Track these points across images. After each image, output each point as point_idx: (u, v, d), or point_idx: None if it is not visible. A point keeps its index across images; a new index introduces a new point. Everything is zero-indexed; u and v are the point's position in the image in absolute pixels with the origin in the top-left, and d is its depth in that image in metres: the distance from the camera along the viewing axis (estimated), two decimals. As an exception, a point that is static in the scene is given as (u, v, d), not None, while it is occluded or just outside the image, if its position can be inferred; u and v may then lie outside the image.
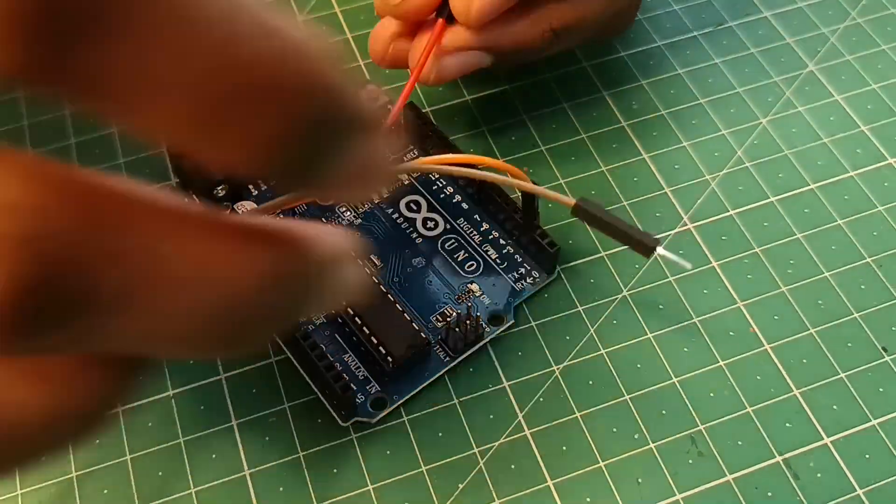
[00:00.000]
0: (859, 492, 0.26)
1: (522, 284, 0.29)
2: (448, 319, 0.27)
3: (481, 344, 0.28)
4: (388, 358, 0.26)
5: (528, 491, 0.26)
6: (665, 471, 0.26)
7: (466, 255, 0.29)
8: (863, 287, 0.29)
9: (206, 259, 0.13)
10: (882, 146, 0.33)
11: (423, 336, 0.27)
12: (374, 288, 0.27)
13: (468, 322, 0.27)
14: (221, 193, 0.29)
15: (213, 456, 0.26)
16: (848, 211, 0.31)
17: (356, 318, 0.27)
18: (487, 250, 0.29)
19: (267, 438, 0.26)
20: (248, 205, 0.29)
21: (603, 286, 0.29)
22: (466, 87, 0.34)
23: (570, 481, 0.26)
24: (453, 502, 0.25)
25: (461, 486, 0.26)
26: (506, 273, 0.29)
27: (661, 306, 0.29)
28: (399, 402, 0.27)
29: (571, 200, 0.25)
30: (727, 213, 0.31)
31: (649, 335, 0.28)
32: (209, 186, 0.29)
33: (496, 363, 0.28)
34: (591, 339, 0.28)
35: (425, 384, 0.27)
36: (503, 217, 0.29)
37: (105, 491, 0.26)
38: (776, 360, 0.28)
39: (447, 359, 0.27)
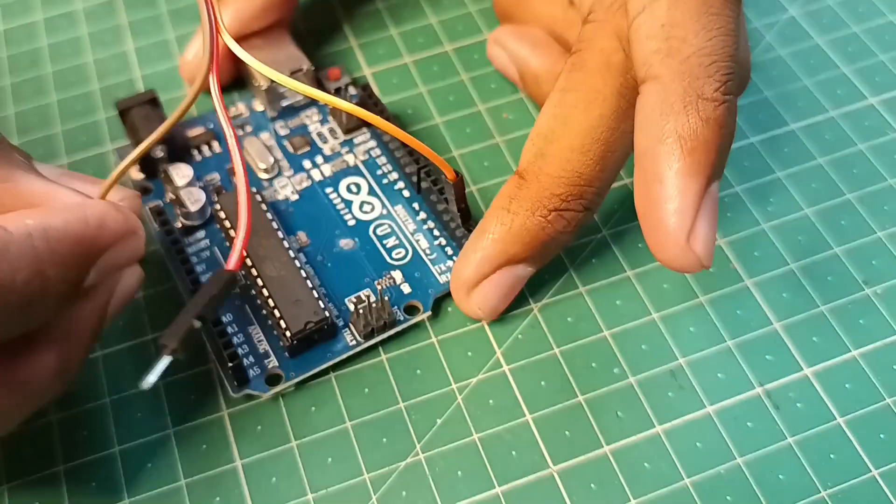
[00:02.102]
0: (839, 420, 0.26)
1: (447, 278, 0.28)
2: (359, 304, 0.27)
3: (392, 332, 0.27)
4: (286, 332, 0.26)
5: (506, 425, 0.26)
6: (645, 404, 0.26)
7: (397, 242, 0.29)
8: (843, 223, 0.29)
9: None
10: (863, 87, 0.33)
11: (326, 314, 0.26)
12: (289, 262, 0.27)
13: (380, 308, 0.26)
14: (159, 154, 0.29)
15: (140, 413, 0.26)
16: (828, 150, 0.31)
17: (263, 290, 0.26)
18: (419, 240, 0.29)
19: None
20: (184, 167, 0.29)
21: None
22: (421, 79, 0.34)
23: (549, 415, 0.26)
24: (431, 436, 0.25)
25: (439, 420, 0.26)
26: (433, 264, 0.28)
27: (640, 245, 0.29)
28: (295, 380, 0.26)
29: (452, 173, 0.26)
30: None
31: (629, 273, 0.28)
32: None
33: (475, 303, 0.28)
34: (570, 277, 0.28)
35: (326, 365, 0.26)
36: (441, 209, 0.29)
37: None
38: (756, 296, 0.28)
39: (354, 342, 0.27)
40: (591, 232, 0.29)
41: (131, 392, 0.26)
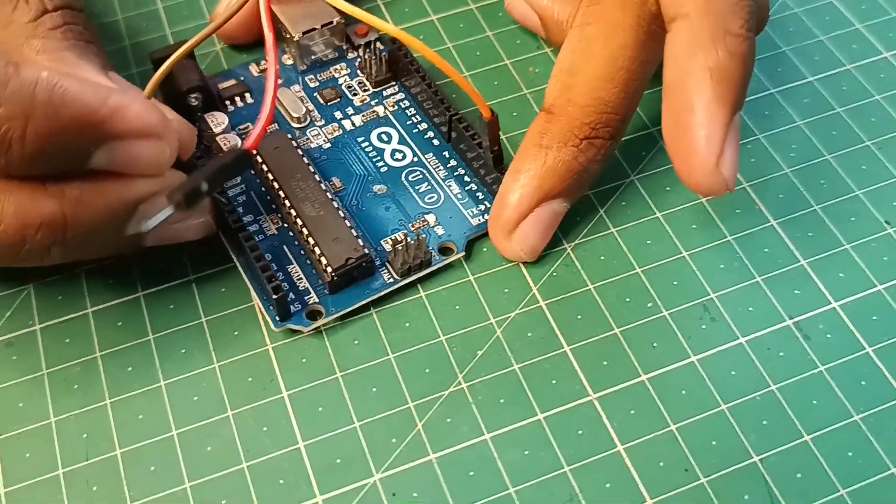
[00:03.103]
0: (868, 349, 0.26)
1: (480, 220, 0.28)
2: (396, 243, 0.27)
3: (428, 270, 0.28)
4: (327, 268, 0.26)
5: (545, 356, 0.26)
6: (679, 335, 0.27)
7: (429, 187, 0.29)
8: (864, 168, 0.30)
9: None
10: (878, 42, 0.34)
11: (366, 251, 0.27)
12: (327, 202, 0.27)
13: (416, 247, 0.27)
14: (194, 103, 0.30)
15: (183, 352, 0.27)
16: (845, 100, 0.32)
17: (303, 229, 0.27)
18: (450, 185, 0.29)
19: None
20: (219, 115, 0.30)
21: (611, 171, 0.30)
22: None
23: (586, 346, 0.26)
24: (473, 366, 0.26)
25: (480, 352, 0.26)
26: (465, 208, 0.29)
27: (667, 188, 0.30)
28: (335, 315, 0.27)
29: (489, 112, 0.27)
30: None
31: (658, 214, 0.29)
32: (184, 94, 0.30)
33: (509, 243, 0.28)
34: (602, 219, 0.29)
35: (365, 301, 0.27)
36: (472, 156, 0.29)
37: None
38: (783, 234, 0.29)
39: (391, 280, 0.27)
40: (620, 176, 0.30)
41: (175, 329, 0.27)
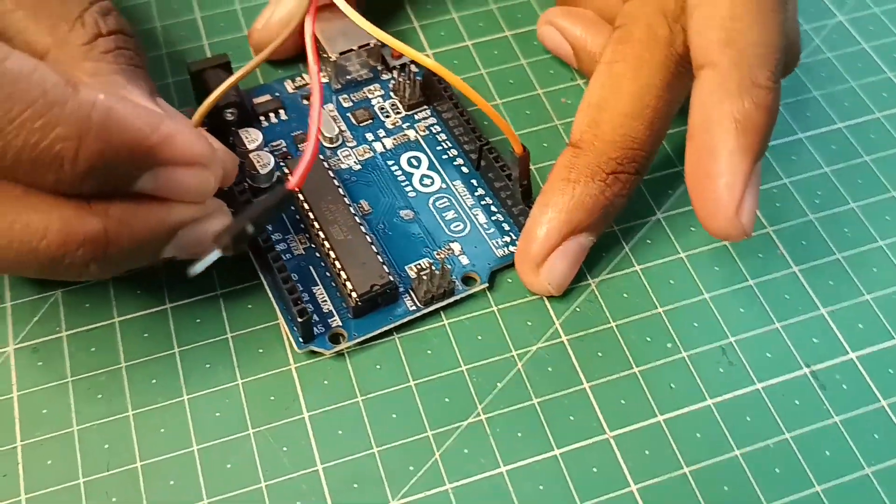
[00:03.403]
0: (883, 403, 0.27)
1: (505, 251, 0.29)
2: (421, 271, 0.28)
3: (450, 301, 0.28)
4: (352, 293, 0.27)
5: (564, 392, 0.26)
6: (697, 377, 0.27)
7: (455, 215, 0.29)
8: (888, 218, 0.30)
9: None
10: (906, 92, 0.34)
11: (391, 278, 0.27)
12: (355, 227, 0.28)
13: (440, 276, 0.27)
14: (230, 118, 0.30)
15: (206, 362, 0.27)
16: (874, 149, 0.32)
17: (330, 252, 0.27)
18: (477, 214, 0.30)
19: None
20: (253, 132, 0.30)
21: (637, 209, 0.30)
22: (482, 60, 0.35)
23: (606, 384, 0.27)
24: (492, 398, 0.26)
25: (500, 384, 0.27)
26: (490, 238, 0.29)
27: (692, 228, 0.30)
28: (357, 340, 0.27)
29: (520, 147, 0.28)
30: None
31: (682, 255, 0.29)
32: (220, 109, 0.30)
33: (533, 276, 0.29)
34: (626, 256, 0.29)
35: (387, 328, 0.27)
36: (500, 186, 0.30)
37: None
38: (804, 281, 0.29)
39: (414, 308, 0.28)
40: (646, 214, 0.30)
41: (200, 343, 0.27)
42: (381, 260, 0.27)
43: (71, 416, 0.26)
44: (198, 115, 0.27)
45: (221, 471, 0.25)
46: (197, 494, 0.25)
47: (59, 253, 0.23)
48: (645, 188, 0.31)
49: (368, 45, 0.32)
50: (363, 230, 0.28)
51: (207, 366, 0.27)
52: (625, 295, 0.28)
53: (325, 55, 0.32)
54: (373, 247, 0.27)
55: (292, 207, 0.29)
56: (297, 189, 0.25)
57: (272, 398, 0.26)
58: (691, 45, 0.26)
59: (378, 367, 0.27)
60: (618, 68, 0.27)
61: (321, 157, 0.30)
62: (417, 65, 0.33)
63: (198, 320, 0.28)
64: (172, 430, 0.26)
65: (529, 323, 0.28)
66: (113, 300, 0.28)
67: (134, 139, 0.22)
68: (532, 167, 0.31)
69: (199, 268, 0.24)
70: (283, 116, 0.32)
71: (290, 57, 0.33)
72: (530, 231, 0.27)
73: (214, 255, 0.24)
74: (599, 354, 0.27)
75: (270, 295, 0.28)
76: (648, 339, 0.28)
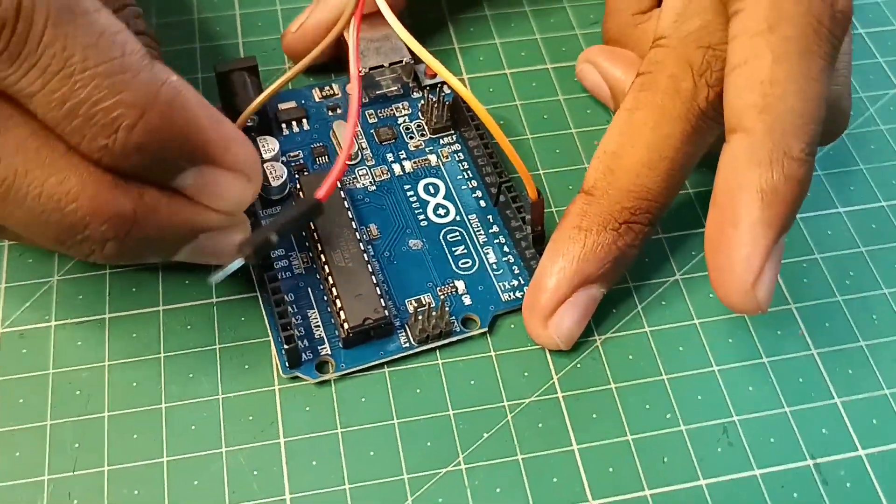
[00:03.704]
0: (888, 508, 0.25)
1: (511, 296, 0.28)
2: (419, 308, 0.27)
3: (446, 342, 0.27)
4: (344, 324, 0.26)
5: (552, 451, 0.25)
6: (693, 454, 0.26)
7: (465, 251, 0.28)
8: (920, 309, 0.29)
9: None
10: (960, 176, 0.32)
11: (386, 314, 0.26)
12: (358, 254, 0.27)
13: (438, 316, 0.26)
14: (250, 123, 0.29)
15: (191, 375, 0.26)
16: (915, 233, 0.31)
17: (329, 277, 0.27)
18: (488, 253, 0.28)
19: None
20: (271, 140, 0.29)
21: (656, 267, 0.29)
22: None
23: (596, 449, 0.25)
24: (476, 448, 0.25)
25: (486, 434, 0.26)
26: (498, 280, 0.28)
27: (710, 295, 0.28)
28: (344, 371, 0.26)
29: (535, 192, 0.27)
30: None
31: (696, 321, 0.28)
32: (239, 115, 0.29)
33: (538, 324, 0.28)
34: (638, 316, 0.28)
35: (376, 362, 0.26)
36: (516, 226, 0.29)
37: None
38: (821, 366, 0.27)
39: (407, 345, 0.27)
40: (664, 273, 0.29)
41: (187, 350, 0.27)
42: (379, 292, 0.26)
43: (46, 410, 0.25)
44: (241, 121, 0.27)
45: (188, 487, 0.24)
46: (159, 508, 0.24)
47: (83, 222, 0.22)
48: (667, 245, 0.29)
49: (401, 62, 0.31)
50: (366, 258, 0.27)
51: (191, 375, 0.26)
52: (630, 356, 0.27)
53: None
54: (373, 277, 0.26)
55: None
56: (324, 200, 0.24)
57: (251, 418, 0.26)
58: (725, 105, 0.24)
59: (363, 399, 0.26)
60: (637, 116, 0.26)
61: (336, 173, 0.29)
62: (449, 88, 0.32)
63: (188, 326, 0.27)
64: (145, 438, 0.25)
65: (526, 374, 0.27)
66: (107, 295, 0.27)
67: (194, 129, 0.22)
68: (553, 210, 0.30)
69: (221, 276, 0.24)
70: (305, 126, 0.31)
71: (323, 63, 0.32)
72: (540, 281, 0.26)
73: (237, 263, 0.24)
74: (594, 416, 0.26)
75: (264, 312, 0.27)
76: (648, 406, 0.26)
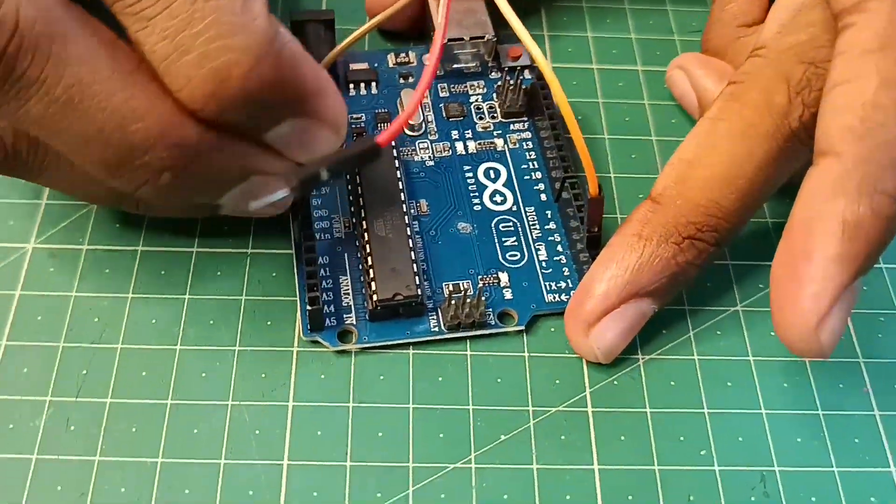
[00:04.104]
0: None
1: (555, 298, 0.26)
2: (455, 293, 0.25)
3: (478, 333, 0.25)
4: (373, 296, 0.25)
5: (570, 467, 0.24)
6: (722, 498, 0.23)
7: (516, 243, 0.27)
8: None
9: None
10: None
11: (418, 292, 0.25)
12: (400, 227, 0.26)
13: (473, 305, 0.25)
14: None
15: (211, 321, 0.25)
16: None
17: (366, 245, 0.25)
18: (539, 249, 0.27)
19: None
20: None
21: (718, 294, 0.27)
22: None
23: (618, 472, 0.24)
24: (491, 450, 0.24)
25: (504, 437, 0.24)
26: (545, 279, 0.26)
27: (771, 333, 0.26)
28: (366, 345, 0.25)
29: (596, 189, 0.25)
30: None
31: (750, 358, 0.26)
32: None
33: (580, 332, 0.26)
34: (688, 341, 0.26)
35: (401, 341, 0.25)
36: (573, 226, 0.27)
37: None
38: (882, 430, 0.25)
39: (436, 328, 0.25)
40: (725, 302, 0.27)
41: (212, 297, 0.26)
42: (416, 269, 0.25)
43: (62, 332, 0.25)
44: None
45: (186, 433, 0.23)
46: (154, 450, 0.23)
47: (146, 145, 0.20)
48: (733, 273, 0.27)
49: (483, 37, 0.29)
50: (408, 232, 0.25)
51: (211, 322, 0.25)
52: (672, 382, 0.25)
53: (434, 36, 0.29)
54: (412, 253, 0.25)
55: (348, 182, 0.27)
56: (384, 145, 0.23)
57: (263, 375, 0.24)
58: (819, 124, 0.22)
59: (381, 377, 0.25)
60: (721, 127, 0.24)
61: (395, 141, 0.28)
62: (530, 72, 0.30)
63: (218, 273, 0.26)
64: (153, 377, 0.24)
65: (557, 381, 0.25)
66: (143, 228, 0.27)
67: (300, 80, 0.21)
68: (617, 216, 0.28)
69: (262, 202, 0.23)
70: (374, 90, 0.30)
71: (404, 30, 0.31)
72: (588, 285, 0.25)
73: (280, 193, 0.23)
74: (622, 438, 0.24)
75: (295, 271, 0.26)
76: (682, 438, 0.24)
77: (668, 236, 0.24)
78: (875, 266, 0.28)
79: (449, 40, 0.29)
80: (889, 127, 0.21)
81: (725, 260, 0.28)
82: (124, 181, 0.21)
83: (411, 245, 0.25)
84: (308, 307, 0.24)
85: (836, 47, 0.22)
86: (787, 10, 0.25)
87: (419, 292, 0.25)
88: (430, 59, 0.24)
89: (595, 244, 0.26)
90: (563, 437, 0.24)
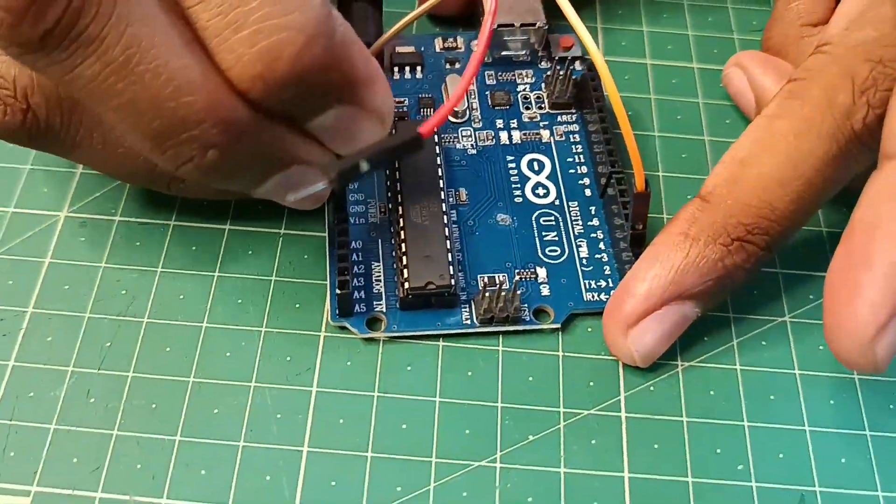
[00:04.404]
0: None
1: (594, 296, 0.25)
2: (490, 286, 0.24)
3: (511, 329, 0.24)
4: (405, 284, 0.24)
5: (600, 472, 0.23)
6: (758, 517, 0.22)
7: (556, 238, 0.26)
8: None
9: None
10: None
11: (452, 283, 0.24)
12: (437, 214, 0.25)
13: (509, 299, 0.24)
14: None
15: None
16: None
17: (401, 232, 0.24)
18: (581, 246, 0.26)
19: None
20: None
21: (766, 302, 0.26)
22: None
23: (649, 482, 0.23)
24: (518, 449, 0.23)
25: (532, 437, 0.23)
26: (585, 277, 0.25)
27: (821, 346, 0.25)
28: (395, 333, 0.24)
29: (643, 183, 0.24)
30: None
31: (796, 371, 0.25)
32: None
33: (618, 333, 0.25)
34: (731, 349, 0.25)
35: (432, 332, 0.24)
36: (618, 224, 0.26)
37: (183, 296, 0.25)
38: (933, 456, 0.24)
39: (468, 321, 0.24)
40: (773, 311, 0.26)
41: (242, 275, 0.25)
42: (450, 259, 0.24)
43: (88, 303, 0.24)
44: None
45: (207, 412, 0.23)
46: (173, 428, 0.23)
47: (197, 118, 0.19)
48: (782, 282, 0.26)
49: (534, 24, 0.28)
50: (445, 220, 0.25)
51: (239, 301, 0.25)
52: (712, 392, 0.24)
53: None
54: (448, 242, 0.24)
55: (389, 167, 0.26)
56: (427, 136, 0.22)
57: (288, 359, 0.24)
58: (886, 126, 0.21)
59: (409, 367, 0.24)
60: (779, 125, 0.23)
61: (436, 130, 0.27)
62: (581, 63, 0.29)
63: (250, 252, 0.26)
64: (177, 353, 0.24)
65: (592, 383, 0.24)
66: (177, 202, 0.26)
67: (350, 65, 0.20)
68: (663, 215, 0.27)
69: (301, 194, 0.22)
70: (419, 74, 0.29)
71: (453, 15, 0.30)
72: (629, 284, 0.24)
73: (319, 185, 0.22)
74: (655, 446, 0.23)
75: (327, 253, 0.25)
76: (719, 450, 0.23)
77: (717, 237, 0.23)
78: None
79: (498, 26, 0.28)
80: None
81: (774, 268, 0.26)
82: (169, 156, 0.20)
83: (447, 234, 0.24)
84: (337, 291, 0.23)
85: None
86: (855, 5, 0.24)
87: (452, 282, 0.24)
88: (479, 45, 0.23)
89: (639, 242, 0.25)
90: (593, 442, 0.23)
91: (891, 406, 0.24)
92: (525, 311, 0.24)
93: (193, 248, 0.26)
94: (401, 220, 0.25)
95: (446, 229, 0.25)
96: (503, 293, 0.24)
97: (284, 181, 0.22)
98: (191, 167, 0.21)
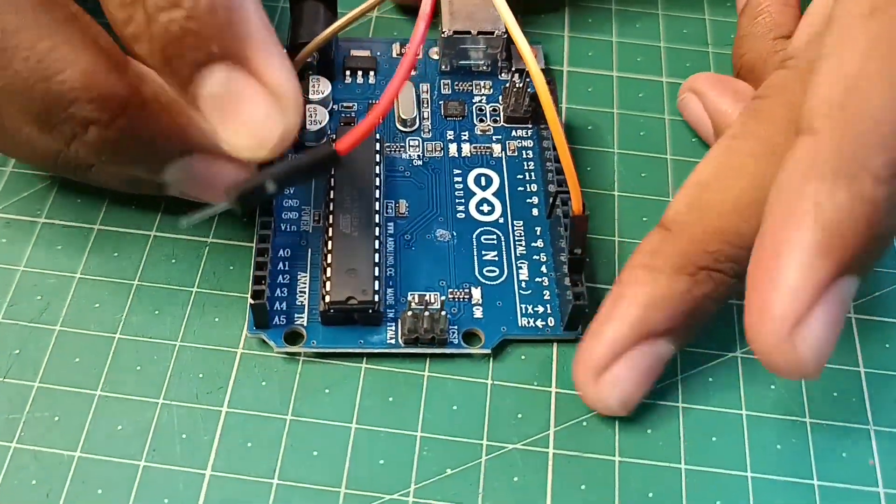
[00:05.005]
0: None
1: (529, 322, 0.24)
2: (417, 304, 0.23)
3: (439, 351, 0.23)
4: (326, 297, 0.23)
5: (519, 512, 0.21)
6: (686, 569, 0.21)
7: (496, 258, 0.24)
8: None
9: None
10: None
11: (375, 299, 0.22)
12: (368, 226, 0.23)
13: (434, 320, 0.22)
14: (309, 59, 0.26)
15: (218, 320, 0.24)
16: None
17: (328, 242, 0.23)
18: (521, 268, 0.24)
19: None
20: (324, 83, 0.26)
21: (716, 336, 0.24)
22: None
23: (572, 526, 0.21)
24: (433, 484, 0.21)
25: (450, 471, 0.22)
26: (521, 301, 0.24)
27: (773, 386, 0.23)
28: (314, 349, 0.23)
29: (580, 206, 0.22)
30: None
31: (743, 412, 0.23)
32: (301, 46, 0.26)
33: (554, 364, 0.23)
34: (674, 386, 0.23)
35: (353, 350, 0.23)
36: (561, 246, 0.24)
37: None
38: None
39: (392, 341, 0.23)
40: (723, 347, 0.24)
41: (162, 285, 0.24)
42: (377, 273, 0.23)
43: (2, 306, 0.24)
44: (302, 55, 0.25)
45: (109, 429, 0.22)
46: (73, 443, 0.22)
47: (70, 96, 0.20)
48: (736, 314, 0.24)
49: (492, 33, 0.27)
50: (376, 233, 0.23)
51: (156, 312, 0.24)
52: (648, 430, 0.23)
53: (442, 32, 0.27)
54: (377, 255, 0.23)
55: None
56: (344, 153, 0.21)
57: (200, 375, 0.23)
58: (807, 99, 0.19)
59: (327, 390, 0.23)
60: (741, 146, 0.22)
61: (378, 135, 0.25)
62: (548, 74, 0.28)
63: (173, 260, 0.25)
64: (86, 365, 0.23)
65: (520, 415, 0.23)
66: (104, 205, 0.25)
67: (238, 20, 0.19)
68: (621, 239, 0.26)
69: (196, 218, 0.21)
70: (371, 80, 0.28)
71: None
72: (597, 329, 0.22)
73: (220, 206, 0.21)
74: (582, 487, 0.22)
75: (253, 264, 0.24)
76: (651, 494, 0.22)
77: (682, 267, 0.21)
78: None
79: (455, 33, 0.27)
80: (874, 100, 0.18)
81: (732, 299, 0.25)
82: (54, 136, 0.21)
83: (377, 247, 0.23)
84: (251, 301, 0.22)
85: (830, 17, 0.19)
86: (818, 16, 0.22)
87: (376, 298, 0.22)
88: (407, 53, 0.21)
89: (578, 268, 0.23)
90: (515, 479, 0.22)
91: (843, 455, 0.23)
92: (454, 333, 0.23)
93: (115, 254, 0.25)
94: (329, 229, 0.23)
95: (377, 241, 0.23)
96: (429, 313, 0.22)
97: (187, 170, 0.22)
98: (77, 146, 0.21)
